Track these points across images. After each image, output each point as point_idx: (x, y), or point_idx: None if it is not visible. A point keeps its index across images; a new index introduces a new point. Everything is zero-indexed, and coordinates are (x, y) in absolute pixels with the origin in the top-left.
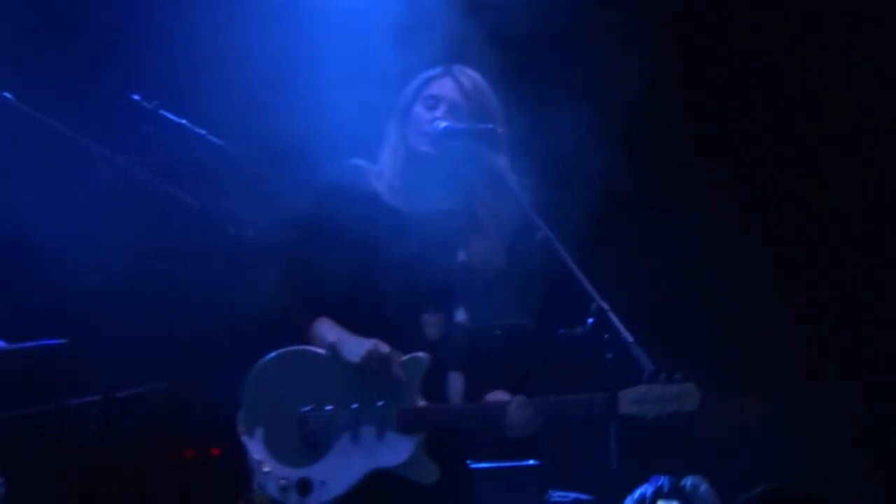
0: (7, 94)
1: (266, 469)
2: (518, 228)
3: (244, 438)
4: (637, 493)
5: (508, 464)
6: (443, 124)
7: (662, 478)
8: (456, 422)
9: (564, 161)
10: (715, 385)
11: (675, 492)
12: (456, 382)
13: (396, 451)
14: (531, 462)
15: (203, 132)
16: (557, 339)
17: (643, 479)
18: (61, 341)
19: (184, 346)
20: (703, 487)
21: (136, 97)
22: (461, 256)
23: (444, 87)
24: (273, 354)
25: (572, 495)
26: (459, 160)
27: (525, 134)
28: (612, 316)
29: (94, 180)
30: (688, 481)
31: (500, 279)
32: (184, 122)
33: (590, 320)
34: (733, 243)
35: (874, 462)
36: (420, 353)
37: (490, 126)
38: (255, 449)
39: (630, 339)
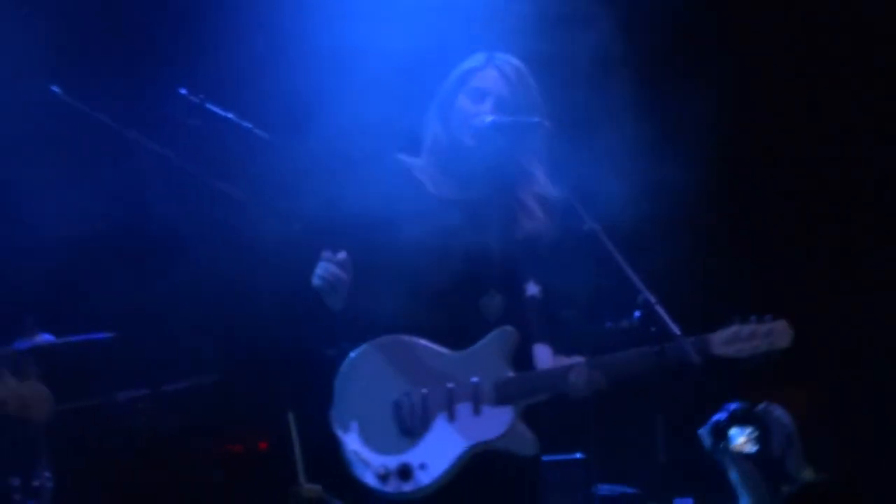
0: (55, 89)
1: (365, 459)
2: (564, 220)
3: (338, 434)
4: (711, 422)
5: (555, 457)
6: (490, 118)
7: (736, 404)
8: (546, 386)
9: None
10: (758, 379)
11: (749, 417)
12: (542, 353)
13: (495, 423)
14: (577, 455)
15: (250, 125)
16: (604, 332)
17: (688, 473)
18: (109, 335)
19: (231, 340)
20: (778, 412)
21: (183, 91)
22: (519, 232)
23: (490, 80)
24: (359, 350)
25: (619, 489)
26: (506, 153)
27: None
28: (660, 309)
29: (142, 174)
30: (762, 406)
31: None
32: (230, 115)
33: (636, 313)
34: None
35: None
36: (507, 327)
37: (537, 120)
38: (351, 441)
39: (677, 331)
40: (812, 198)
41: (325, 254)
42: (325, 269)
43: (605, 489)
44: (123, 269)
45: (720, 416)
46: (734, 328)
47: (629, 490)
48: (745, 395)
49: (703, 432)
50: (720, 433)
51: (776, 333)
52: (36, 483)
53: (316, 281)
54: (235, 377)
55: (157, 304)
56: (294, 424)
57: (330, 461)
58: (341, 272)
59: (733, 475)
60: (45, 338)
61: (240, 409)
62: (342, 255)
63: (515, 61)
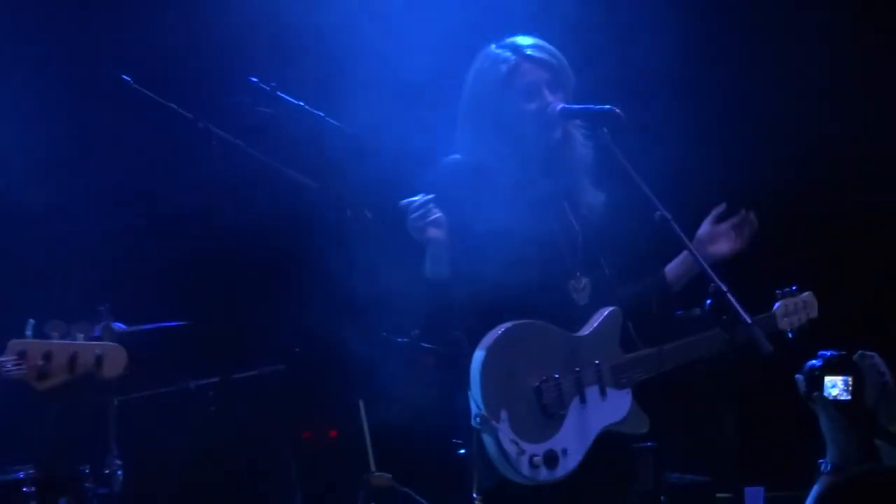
0: (126, 77)
1: (522, 448)
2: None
3: (492, 425)
4: (805, 367)
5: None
6: (559, 106)
7: (831, 351)
8: (664, 364)
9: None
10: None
11: (844, 365)
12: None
13: (619, 405)
14: (648, 444)
15: (321, 114)
16: (676, 320)
17: (758, 463)
18: (181, 323)
19: (302, 329)
20: (875, 359)
21: (254, 79)
22: (584, 209)
23: (529, 73)
24: (490, 340)
25: (689, 477)
26: (576, 139)
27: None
28: (731, 297)
29: (213, 162)
30: (858, 354)
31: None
32: (302, 104)
33: (707, 302)
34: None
35: None
36: (614, 307)
37: (608, 107)
38: (506, 432)
39: (749, 320)
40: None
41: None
42: (417, 217)
43: (675, 477)
44: (194, 257)
45: (815, 362)
46: (784, 302)
47: (700, 478)
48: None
49: (798, 378)
50: (814, 380)
51: (809, 304)
52: (107, 471)
53: (418, 235)
54: (305, 365)
55: (227, 292)
56: (364, 413)
57: (399, 450)
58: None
59: (823, 423)
60: (117, 326)
61: (310, 397)
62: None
63: (537, 41)
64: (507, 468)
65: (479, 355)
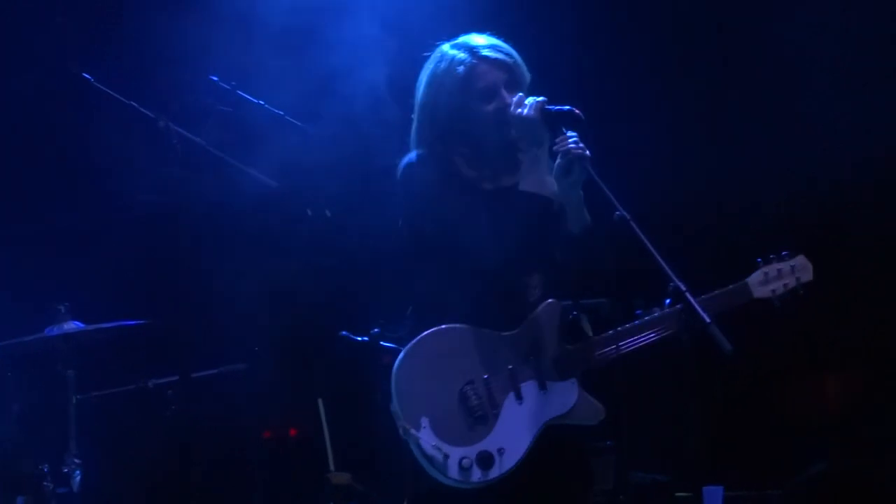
0: (87, 76)
1: (446, 453)
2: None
3: (412, 433)
4: None
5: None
6: (525, 109)
7: None
8: (611, 352)
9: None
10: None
11: None
12: (586, 322)
13: (563, 396)
14: (608, 443)
15: (281, 112)
16: (634, 319)
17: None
18: (140, 322)
19: (262, 328)
20: None
21: (214, 78)
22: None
23: (487, 74)
24: (408, 348)
25: (649, 476)
26: (539, 142)
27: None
28: (690, 296)
29: (174, 161)
30: None
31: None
32: (262, 102)
33: (667, 301)
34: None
35: None
36: (550, 300)
37: (567, 108)
38: (428, 438)
39: (708, 319)
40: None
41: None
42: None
43: (635, 476)
44: (154, 256)
45: None
46: (763, 269)
47: (659, 477)
48: (780, 383)
49: None
50: None
51: (800, 268)
52: (66, 469)
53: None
54: (265, 364)
55: (187, 291)
56: (324, 412)
57: (359, 449)
58: None
59: None
60: (75, 325)
61: (270, 397)
62: None
63: (491, 40)
64: (437, 473)
65: (396, 364)
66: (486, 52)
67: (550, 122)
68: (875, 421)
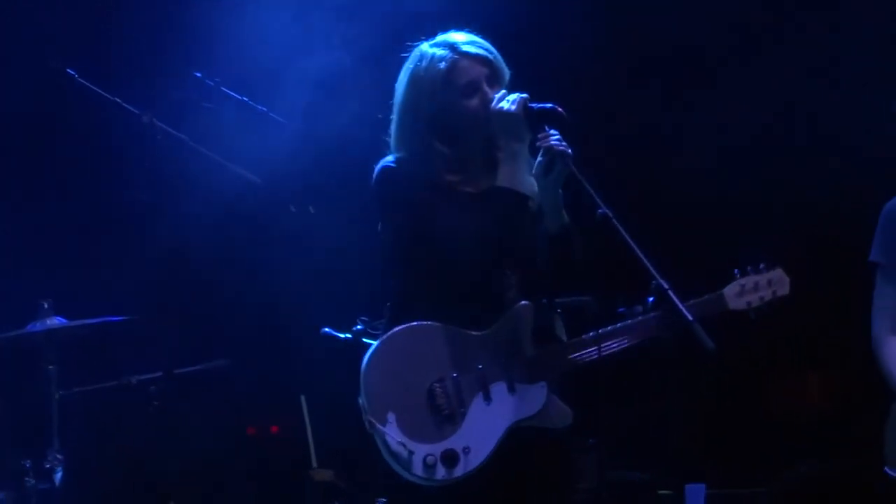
0: (71, 71)
1: (411, 450)
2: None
3: (378, 428)
4: None
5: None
6: (503, 106)
7: None
8: (582, 357)
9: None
10: (776, 364)
11: None
12: (560, 325)
13: (531, 399)
14: (591, 441)
15: (264, 109)
16: (617, 318)
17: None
18: (122, 318)
19: (246, 324)
20: None
21: (198, 74)
22: (532, 206)
23: (469, 70)
24: (378, 343)
25: (631, 474)
26: (520, 138)
27: None
28: (673, 294)
29: (157, 156)
30: None
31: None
32: (246, 99)
33: (650, 299)
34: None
35: None
36: (523, 302)
37: (549, 105)
38: (394, 434)
39: (690, 317)
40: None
41: None
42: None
43: (618, 474)
44: (137, 252)
45: None
46: (739, 281)
47: (642, 475)
48: (761, 380)
49: None
50: None
51: (777, 281)
52: (48, 465)
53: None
54: (248, 361)
55: (170, 287)
56: (306, 408)
57: (342, 446)
58: None
59: None
60: (58, 321)
61: (252, 394)
62: None
63: (471, 37)
64: (401, 470)
65: (365, 359)
66: (466, 48)
67: (532, 119)
68: (858, 420)
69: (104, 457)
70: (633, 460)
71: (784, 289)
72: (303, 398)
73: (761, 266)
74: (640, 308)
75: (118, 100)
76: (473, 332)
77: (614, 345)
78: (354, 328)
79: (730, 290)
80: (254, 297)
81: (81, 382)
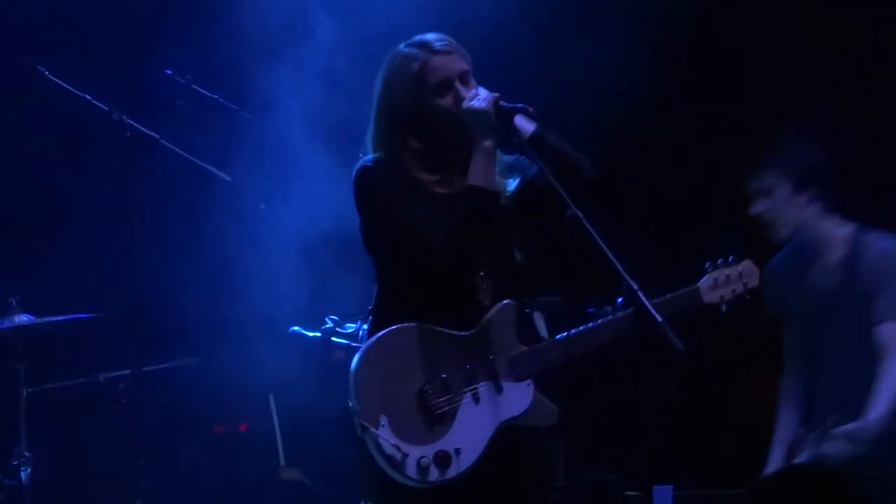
0: (43, 69)
1: (405, 452)
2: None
3: (372, 432)
4: None
5: None
6: (474, 103)
7: None
8: (566, 353)
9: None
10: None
11: None
12: (540, 322)
13: (519, 398)
14: (561, 441)
15: (236, 107)
16: (586, 318)
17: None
18: (91, 315)
19: (214, 322)
20: None
21: (169, 71)
22: (505, 202)
23: (442, 67)
24: (367, 345)
25: (599, 475)
26: (491, 136)
27: None
28: (642, 295)
29: (127, 154)
30: None
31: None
32: (217, 97)
33: (619, 300)
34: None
35: None
36: (506, 301)
37: (520, 105)
38: (387, 437)
39: (659, 318)
40: None
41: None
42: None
43: (587, 475)
44: (107, 249)
45: None
46: (712, 275)
47: (611, 476)
48: (722, 382)
49: None
50: None
51: (747, 273)
52: (15, 462)
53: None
54: (216, 359)
55: (139, 285)
56: (275, 407)
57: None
58: None
59: None
60: (26, 318)
61: (221, 391)
62: None
63: (443, 36)
64: (394, 472)
65: (354, 362)
66: (438, 46)
67: (504, 118)
68: None
69: (72, 454)
70: (602, 461)
71: (754, 280)
72: (271, 397)
73: (731, 258)
74: (609, 308)
75: (88, 96)
76: (460, 333)
77: (594, 343)
78: (323, 327)
79: (704, 284)
80: (223, 295)
81: (50, 379)
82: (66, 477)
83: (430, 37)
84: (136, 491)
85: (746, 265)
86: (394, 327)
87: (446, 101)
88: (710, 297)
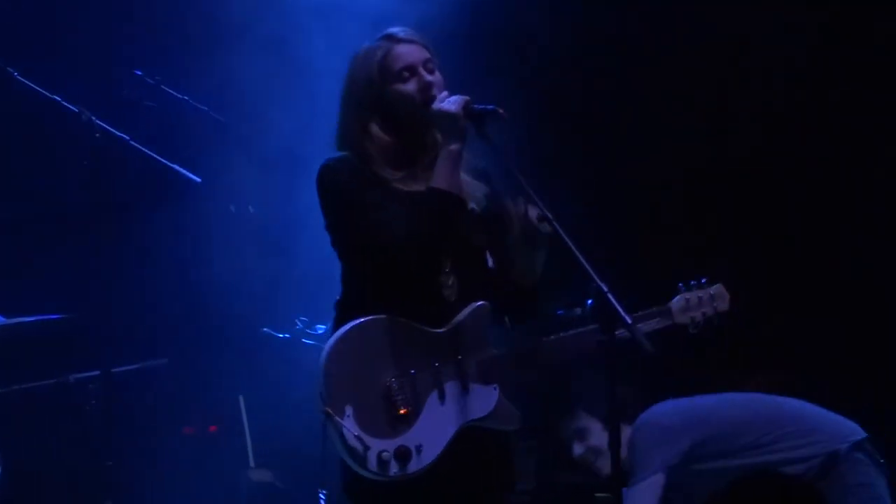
0: (11, 70)
1: (367, 444)
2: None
3: (336, 421)
4: None
5: None
6: (446, 104)
7: None
8: (531, 362)
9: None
10: (719, 364)
11: None
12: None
13: (483, 400)
14: (530, 443)
15: (205, 108)
16: (556, 320)
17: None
18: (61, 316)
19: (184, 323)
20: None
21: (139, 72)
22: (474, 208)
23: (406, 55)
24: (340, 333)
25: (569, 476)
26: (460, 138)
27: None
28: (611, 297)
29: (96, 155)
30: None
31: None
32: (186, 98)
33: (588, 301)
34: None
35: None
36: (481, 302)
37: (492, 106)
38: (351, 427)
39: (629, 320)
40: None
41: None
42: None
43: (557, 476)
44: (76, 250)
45: None
46: (684, 296)
47: (578, 479)
48: (702, 383)
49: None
50: None
51: (718, 297)
52: None
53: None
54: (186, 360)
55: (109, 286)
56: (244, 408)
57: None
58: None
59: None
60: None
61: (191, 393)
62: None
63: (406, 28)
64: (354, 464)
65: (325, 349)
66: (401, 36)
67: (474, 119)
68: None
69: (41, 455)
70: (572, 463)
71: (724, 304)
72: (241, 398)
73: (703, 281)
74: (578, 310)
75: (57, 98)
76: (432, 330)
77: (570, 352)
78: (293, 328)
79: (676, 304)
80: (193, 296)
81: (19, 381)
82: (35, 478)
83: (393, 29)
84: (105, 492)
85: (718, 289)
86: (367, 318)
87: (410, 87)
88: (681, 318)
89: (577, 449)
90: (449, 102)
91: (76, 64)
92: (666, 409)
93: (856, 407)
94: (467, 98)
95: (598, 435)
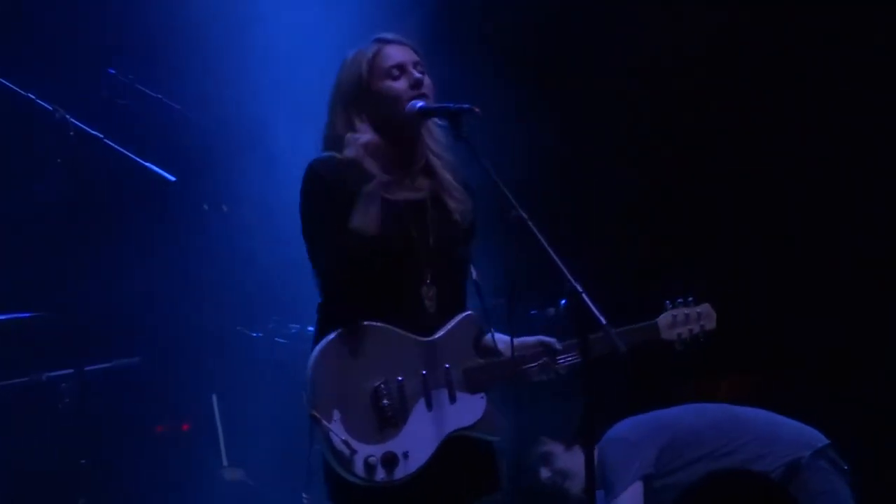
0: None
1: (354, 448)
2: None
3: (324, 425)
4: None
5: None
6: (418, 104)
7: None
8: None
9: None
10: (688, 368)
11: None
12: (502, 338)
13: (471, 409)
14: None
15: (178, 107)
16: (530, 320)
17: None
18: (33, 314)
19: (157, 322)
20: None
21: (112, 71)
22: (457, 217)
23: (397, 54)
24: (329, 337)
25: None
26: (437, 140)
27: None
28: (586, 297)
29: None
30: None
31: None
32: (160, 96)
33: (562, 301)
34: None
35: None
36: (470, 311)
37: (467, 105)
38: (338, 432)
39: (603, 320)
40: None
41: None
42: None
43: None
44: (49, 249)
45: None
46: (672, 312)
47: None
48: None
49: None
50: None
51: (705, 317)
52: None
53: None
54: (159, 358)
55: (81, 284)
56: (217, 407)
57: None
58: None
59: None
60: None
61: (163, 391)
62: None
63: (393, 33)
64: (341, 468)
65: (314, 353)
66: (391, 38)
67: (451, 119)
68: None
69: (13, 454)
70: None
71: (711, 323)
72: (214, 396)
73: (690, 299)
74: (552, 310)
75: (32, 95)
76: (420, 338)
77: (560, 360)
78: (266, 327)
79: (663, 321)
80: (166, 294)
81: None
82: (7, 477)
83: (384, 33)
84: (78, 491)
85: (705, 308)
86: (356, 324)
87: (399, 84)
88: (668, 335)
89: (545, 473)
90: (412, 106)
91: (50, 62)
92: (629, 425)
93: (828, 410)
94: (425, 105)
95: (562, 457)
